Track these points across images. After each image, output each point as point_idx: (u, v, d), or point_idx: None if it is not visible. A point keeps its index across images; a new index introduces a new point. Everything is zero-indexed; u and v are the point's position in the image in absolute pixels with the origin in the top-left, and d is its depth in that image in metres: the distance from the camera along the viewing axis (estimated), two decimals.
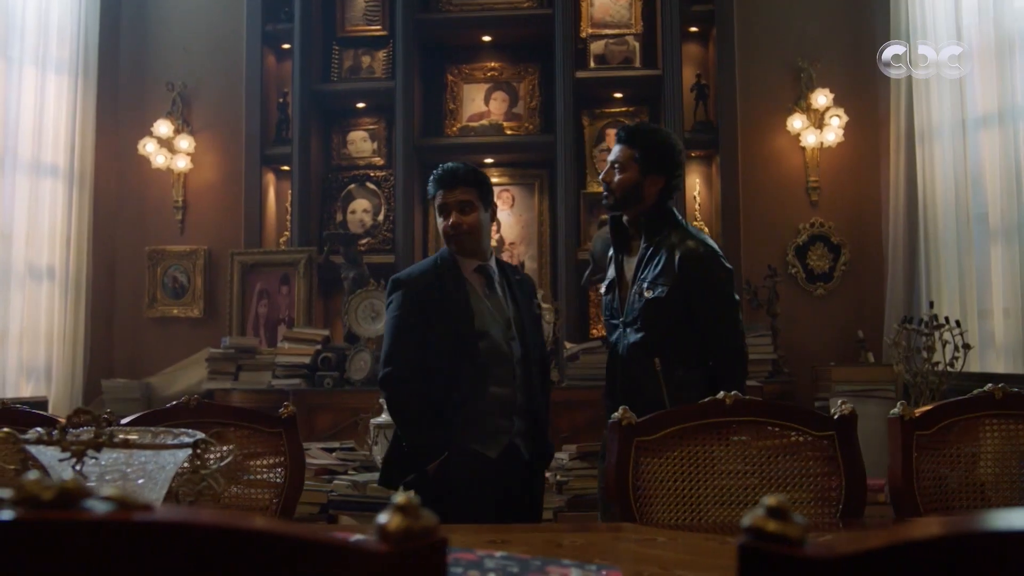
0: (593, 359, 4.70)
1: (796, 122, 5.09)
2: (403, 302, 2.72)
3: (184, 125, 5.38)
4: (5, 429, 1.24)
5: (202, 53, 5.48)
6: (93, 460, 1.14)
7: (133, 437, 1.17)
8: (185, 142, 5.30)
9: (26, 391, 4.77)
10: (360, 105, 5.58)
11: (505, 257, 5.51)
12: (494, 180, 5.60)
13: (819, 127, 5.08)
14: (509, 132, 5.51)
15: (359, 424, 3.97)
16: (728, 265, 2.77)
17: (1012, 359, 4.25)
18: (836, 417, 1.79)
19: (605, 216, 5.32)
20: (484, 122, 5.51)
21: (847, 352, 4.99)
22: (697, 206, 5.35)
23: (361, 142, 5.62)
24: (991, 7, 4.38)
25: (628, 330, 2.80)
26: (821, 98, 5.04)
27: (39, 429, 1.27)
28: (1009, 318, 4.27)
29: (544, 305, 4.14)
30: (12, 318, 4.64)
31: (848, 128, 5.07)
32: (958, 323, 4.24)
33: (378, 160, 5.60)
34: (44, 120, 4.87)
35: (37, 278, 4.83)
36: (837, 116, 5.02)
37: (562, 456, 3.78)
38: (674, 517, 1.78)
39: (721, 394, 1.85)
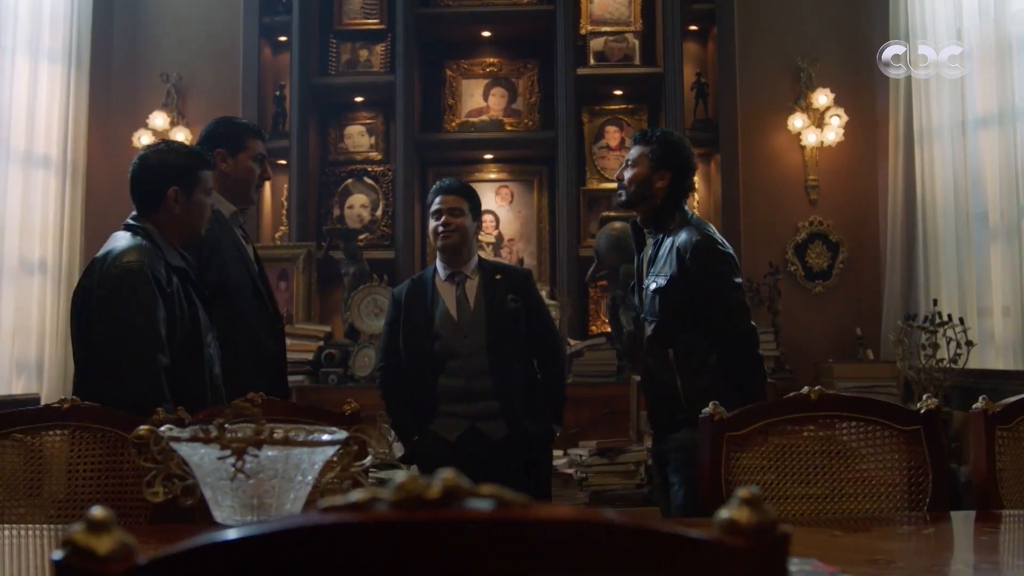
0: (598, 355, 4.72)
1: (797, 121, 5.15)
2: (388, 310, 3.41)
3: (179, 117, 5.28)
4: (145, 427, 1.20)
5: (197, 44, 5.38)
6: (253, 457, 1.10)
7: (290, 434, 1.14)
8: (181, 135, 5.19)
9: (17, 387, 4.64)
10: (358, 99, 5.51)
11: (504, 253, 5.51)
12: (493, 176, 5.61)
13: (819, 126, 5.14)
14: (509, 128, 5.49)
15: (378, 421, 3.92)
16: (726, 250, 2.86)
17: (1012, 356, 4.34)
18: (922, 412, 1.81)
19: (606, 213, 5.38)
20: (484, 118, 5.49)
21: (845, 349, 5.06)
22: (696, 204, 5.38)
23: (358, 136, 5.56)
24: (991, 8, 4.45)
25: (646, 324, 2.88)
26: (822, 98, 5.10)
27: (172, 427, 1.24)
28: (1009, 316, 4.35)
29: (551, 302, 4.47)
30: (4, 313, 4.51)
31: (846, 127, 5.13)
32: (961, 320, 4.33)
33: (375, 155, 5.54)
34: (36, 110, 4.74)
35: (29, 272, 4.70)
36: (837, 116, 5.09)
37: (581, 452, 3.79)
38: None
39: (805, 389, 1.87)
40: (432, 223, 3.21)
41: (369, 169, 5.50)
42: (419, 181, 5.49)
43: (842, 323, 5.13)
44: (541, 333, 3.24)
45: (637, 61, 5.34)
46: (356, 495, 0.55)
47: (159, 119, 5.16)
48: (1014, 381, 4.14)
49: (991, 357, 4.45)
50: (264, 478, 1.13)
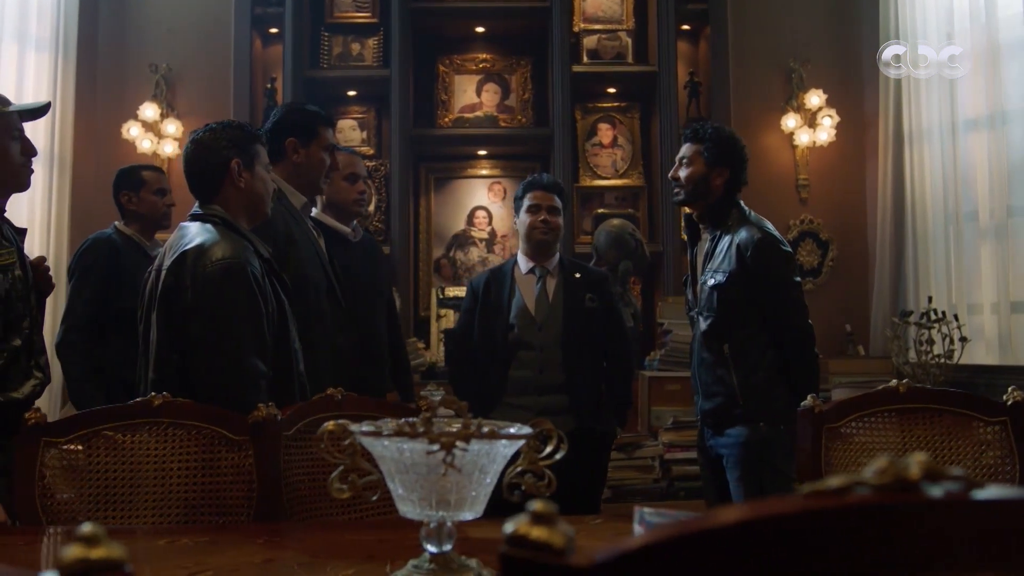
0: None
1: (790, 121, 5.24)
2: (465, 299, 3.44)
3: (169, 109, 5.15)
4: (333, 422, 1.17)
5: (186, 35, 5.26)
6: (462, 452, 1.09)
7: (494, 427, 1.13)
8: (172, 126, 5.07)
9: None
10: (351, 93, 5.45)
11: (497, 250, 5.50)
12: (485, 172, 5.60)
13: (811, 127, 5.24)
14: (502, 124, 5.49)
15: None
16: (786, 249, 2.88)
17: (999, 351, 4.49)
18: (1009, 404, 1.86)
19: (601, 211, 5.42)
20: (479, 114, 5.48)
21: (835, 345, 5.16)
22: None
23: (350, 131, 5.50)
24: (982, 13, 4.57)
25: (700, 319, 2.90)
26: (814, 98, 5.20)
27: (373, 421, 1.22)
28: (997, 313, 4.49)
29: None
30: None
31: (837, 128, 5.24)
32: (956, 317, 4.46)
33: (367, 150, 5.48)
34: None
35: None
36: (829, 116, 5.19)
37: None
38: None
39: (894, 382, 1.91)
40: (527, 218, 3.24)
41: None
42: (413, 176, 5.46)
43: (832, 320, 5.22)
44: (615, 335, 3.30)
45: (630, 59, 5.38)
46: (835, 480, 0.55)
47: (149, 110, 5.03)
48: (1007, 376, 4.27)
49: (980, 352, 4.59)
50: (466, 472, 1.12)
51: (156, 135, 5.07)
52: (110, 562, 0.58)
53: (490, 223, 5.52)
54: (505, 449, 1.16)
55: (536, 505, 0.58)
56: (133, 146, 5.01)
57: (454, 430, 1.10)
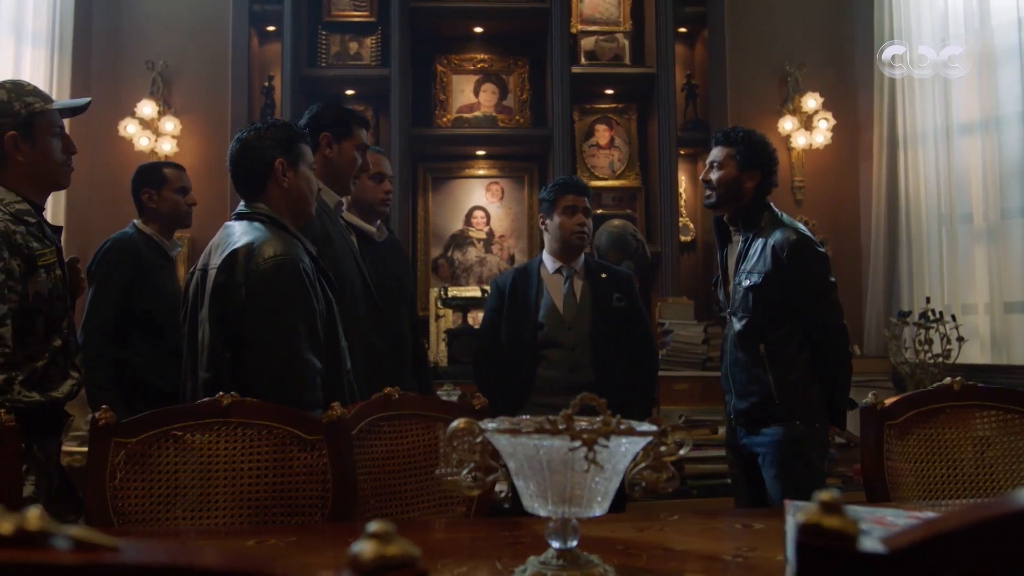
0: None
1: (787, 124, 5.31)
2: (490, 298, 3.42)
3: (166, 107, 5.09)
4: (463, 419, 1.18)
5: (183, 31, 5.20)
6: (603, 448, 1.10)
7: (632, 424, 1.15)
8: (170, 124, 5.01)
9: None
10: (349, 92, 5.43)
11: (495, 249, 5.51)
12: (483, 172, 5.60)
13: (808, 129, 5.31)
14: (501, 125, 5.50)
15: None
16: (822, 250, 2.94)
17: (992, 351, 4.59)
18: None
19: (599, 211, 5.44)
20: (477, 114, 5.48)
21: None
22: (683, 202, 5.50)
23: None
24: (976, 18, 4.67)
25: (733, 319, 2.94)
26: (811, 101, 5.27)
27: (495, 418, 1.23)
28: (991, 313, 4.60)
29: None
30: None
31: (833, 131, 5.32)
32: (953, 317, 4.55)
33: None
34: None
35: None
36: (825, 119, 5.27)
37: None
38: (917, 496, 1.87)
39: (948, 379, 1.96)
40: (561, 219, 3.29)
41: None
42: (411, 176, 5.45)
43: None
44: (639, 334, 3.32)
45: (627, 61, 5.42)
46: None
47: (147, 108, 4.96)
48: (1003, 376, 4.38)
49: (975, 352, 4.68)
50: (604, 468, 1.13)
51: (153, 132, 5.01)
52: (406, 558, 0.58)
53: (488, 223, 5.52)
54: (635, 446, 1.18)
55: (823, 495, 0.60)
56: (130, 143, 4.95)
57: (592, 427, 1.12)
